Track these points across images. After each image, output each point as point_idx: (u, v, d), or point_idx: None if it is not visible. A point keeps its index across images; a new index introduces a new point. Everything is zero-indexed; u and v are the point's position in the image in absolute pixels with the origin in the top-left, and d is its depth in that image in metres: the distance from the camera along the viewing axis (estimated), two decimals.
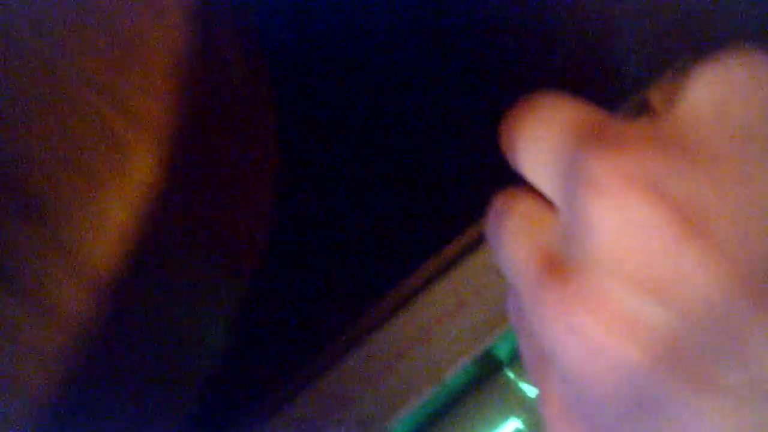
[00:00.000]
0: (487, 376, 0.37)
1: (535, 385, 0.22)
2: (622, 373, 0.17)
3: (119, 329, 0.20)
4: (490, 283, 0.38)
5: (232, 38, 0.24)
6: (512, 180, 0.24)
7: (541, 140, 0.21)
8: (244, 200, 0.25)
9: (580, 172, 0.18)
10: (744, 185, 0.17)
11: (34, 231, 0.21)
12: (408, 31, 0.47)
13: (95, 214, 0.20)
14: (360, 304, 0.38)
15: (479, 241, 0.38)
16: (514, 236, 0.22)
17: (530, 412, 0.36)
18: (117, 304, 0.20)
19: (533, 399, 0.36)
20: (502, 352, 0.36)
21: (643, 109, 0.21)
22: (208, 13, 0.23)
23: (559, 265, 0.19)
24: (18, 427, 0.20)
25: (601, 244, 0.18)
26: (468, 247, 0.38)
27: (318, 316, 0.39)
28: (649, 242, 0.17)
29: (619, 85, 0.46)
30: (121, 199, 0.20)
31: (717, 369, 0.17)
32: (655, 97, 0.21)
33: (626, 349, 0.17)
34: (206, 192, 0.23)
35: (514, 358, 0.37)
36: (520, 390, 0.37)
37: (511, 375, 0.36)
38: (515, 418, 0.36)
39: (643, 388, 0.17)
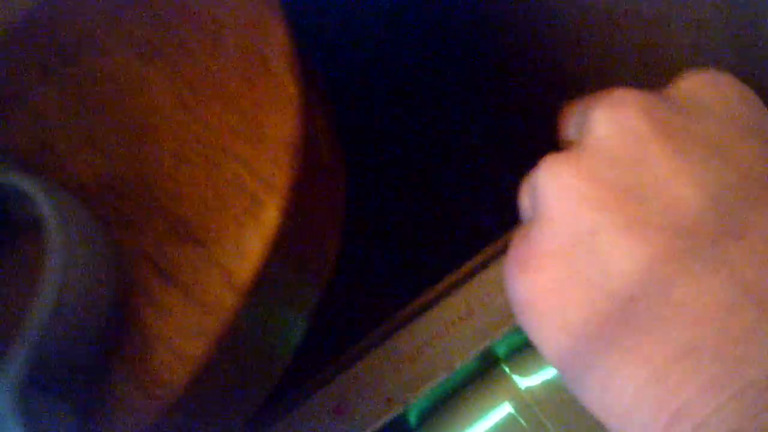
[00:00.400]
0: (487, 369, 0.46)
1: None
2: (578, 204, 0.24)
3: (249, 323, 0.30)
4: (493, 296, 0.47)
5: (322, 122, 0.35)
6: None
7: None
8: (325, 231, 0.35)
9: (599, 99, 0.26)
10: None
11: (193, 250, 0.31)
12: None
13: (238, 243, 0.30)
14: (390, 308, 0.48)
15: (486, 263, 0.48)
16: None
17: (521, 399, 0.46)
18: (249, 301, 0.30)
19: (524, 389, 0.46)
20: (501, 350, 0.45)
21: None
22: (309, 107, 0.33)
23: (563, 153, 0.26)
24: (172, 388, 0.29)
25: (595, 134, 0.25)
26: (477, 266, 0.48)
27: (355, 315, 0.49)
28: (626, 134, 0.25)
29: None
30: (256, 234, 0.30)
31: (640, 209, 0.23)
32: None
33: (586, 190, 0.24)
34: (304, 229, 0.33)
35: (510, 356, 0.46)
36: (514, 382, 0.46)
37: (506, 369, 0.46)
38: (508, 404, 0.45)
39: (586, 219, 0.24)
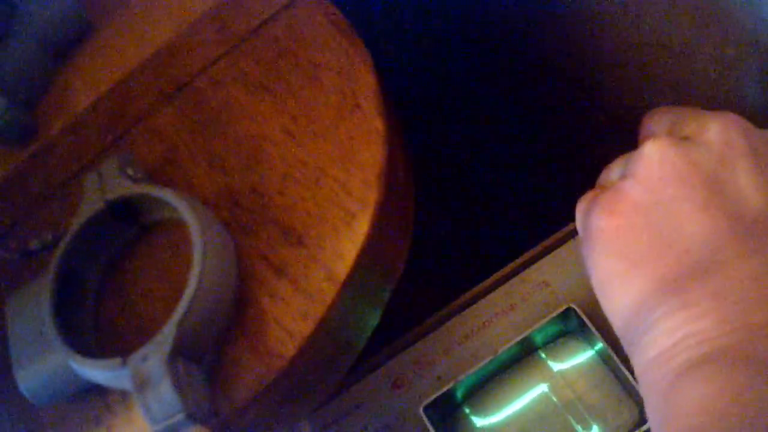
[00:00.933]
0: (526, 355, 0.54)
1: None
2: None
3: (343, 309, 0.39)
4: (532, 293, 0.55)
5: (399, 148, 0.43)
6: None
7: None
8: (400, 238, 0.43)
9: (646, 140, 0.34)
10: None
11: (300, 251, 0.39)
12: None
13: (335, 247, 0.39)
14: (443, 299, 0.56)
15: (525, 264, 0.56)
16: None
17: (554, 380, 0.54)
18: (344, 292, 0.38)
19: (557, 372, 0.54)
20: (538, 339, 0.53)
21: None
22: (391, 137, 0.41)
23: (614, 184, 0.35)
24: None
25: (642, 162, 0.33)
26: (518, 267, 0.56)
27: (411, 305, 0.58)
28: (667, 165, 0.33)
29: None
30: (350, 240, 0.39)
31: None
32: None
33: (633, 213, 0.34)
34: (385, 236, 0.41)
35: (545, 344, 0.54)
36: (548, 366, 0.54)
37: (542, 355, 0.54)
38: (543, 384, 0.53)
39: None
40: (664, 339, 0.31)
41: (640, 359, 0.33)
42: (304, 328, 0.37)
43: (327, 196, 0.40)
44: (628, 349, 0.35)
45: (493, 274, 0.56)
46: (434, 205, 0.59)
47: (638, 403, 0.51)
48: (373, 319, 0.42)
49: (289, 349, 0.37)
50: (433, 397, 0.51)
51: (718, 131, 0.33)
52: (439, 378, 0.53)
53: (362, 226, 0.38)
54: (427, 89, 0.70)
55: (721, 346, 0.29)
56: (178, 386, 0.33)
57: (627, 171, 0.34)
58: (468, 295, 0.56)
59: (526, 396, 0.53)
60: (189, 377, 0.35)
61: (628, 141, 0.64)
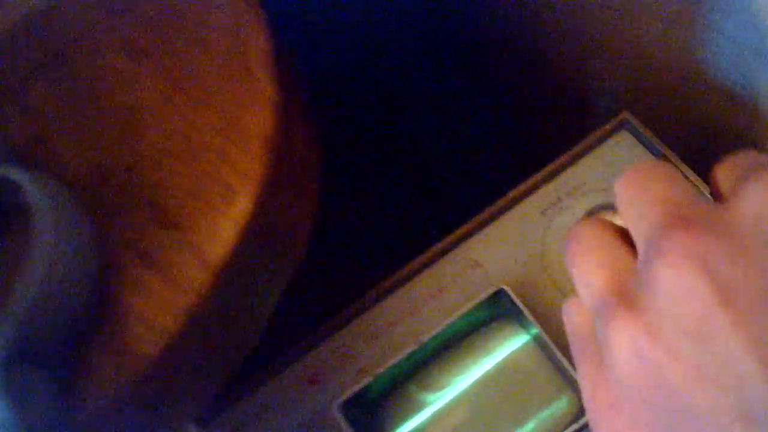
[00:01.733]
0: (458, 340, 0.50)
1: (582, 377, 0.29)
2: (667, 387, 0.24)
3: (219, 301, 0.34)
4: (462, 274, 0.51)
5: (299, 119, 0.38)
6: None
7: (644, 200, 0.27)
8: (298, 218, 0.39)
9: (659, 240, 0.25)
10: None
11: (171, 234, 0.34)
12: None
13: (211, 228, 0.34)
14: (363, 287, 0.51)
15: (454, 243, 0.52)
16: (597, 260, 0.29)
17: (486, 368, 0.49)
18: (220, 279, 0.34)
19: (489, 359, 0.49)
20: (467, 324, 0.49)
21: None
22: (286, 105, 0.36)
23: (631, 298, 0.26)
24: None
25: (662, 296, 0.25)
26: (447, 247, 0.52)
27: (330, 291, 0.53)
28: (692, 302, 0.24)
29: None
30: (228, 218, 0.34)
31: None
32: (719, 177, 0.28)
33: (674, 370, 0.24)
34: (277, 215, 0.36)
35: (477, 329, 0.50)
36: (481, 352, 0.50)
37: (474, 341, 0.50)
38: (475, 369, 0.49)
39: (680, 400, 0.24)
40: None
41: None
42: (170, 322, 0.32)
43: (206, 171, 0.35)
44: None
45: (419, 255, 0.52)
46: (358, 183, 0.55)
47: (577, 392, 0.47)
48: (266, 309, 0.37)
49: (152, 347, 0.32)
50: (351, 393, 0.46)
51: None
52: (362, 370, 0.49)
53: (243, 204, 0.33)
54: (361, 67, 0.66)
55: None
56: (16, 398, 0.28)
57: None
58: (392, 279, 0.51)
59: (458, 385, 0.49)
60: (31, 388, 0.30)
61: (570, 111, 0.59)
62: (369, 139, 0.60)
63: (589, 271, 0.29)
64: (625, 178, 0.29)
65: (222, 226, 0.33)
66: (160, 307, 0.33)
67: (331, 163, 0.45)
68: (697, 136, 0.57)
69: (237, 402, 0.48)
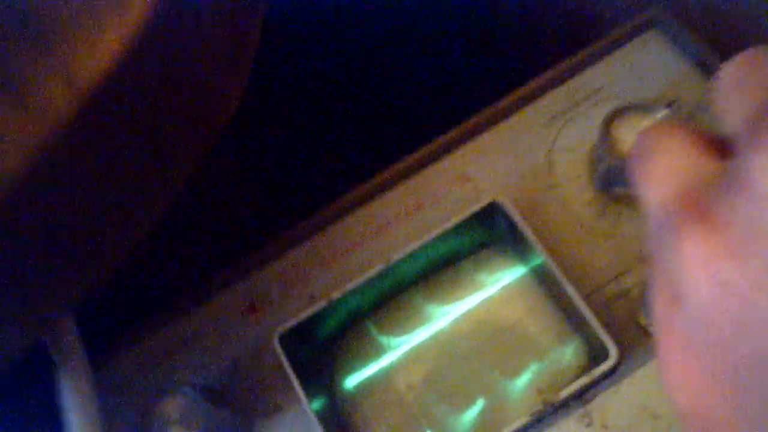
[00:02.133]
0: (438, 269, 0.39)
1: (655, 312, 0.22)
2: (756, 328, 0.18)
3: (90, 136, 0.23)
4: (446, 188, 0.40)
5: None
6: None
7: (753, 83, 0.21)
8: (224, 62, 0.28)
9: (760, 131, 0.18)
10: None
11: (36, 46, 0.23)
12: None
13: (91, 40, 0.23)
14: (325, 197, 0.40)
15: (437, 152, 0.41)
16: (666, 172, 0.22)
17: (475, 304, 0.39)
18: (94, 115, 0.23)
19: (480, 292, 0.39)
20: (451, 245, 0.38)
21: None
22: None
23: (708, 213, 0.19)
24: None
25: (755, 204, 0.18)
26: (429, 156, 0.41)
27: (287, 201, 0.42)
28: None
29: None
30: (116, 32, 0.23)
31: None
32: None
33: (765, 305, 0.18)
34: (194, 46, 0.25)
35: (464, 255, 0.39)
36: (469, 283, 0.38)
37: (461, 269, 0.39)
38: (458, 304, 0.38)
39: None
40: None
41: None
42: (18, 161, 0.21)
43: None
44: None
45: (394, 163, 0.41)
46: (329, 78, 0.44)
47: (586, 338, 0.36)
48: (162, 177, 0.26)
49: None
50: (294, 321, 0.35)
51: None
52: (312, 297, 0.38)
53: (138, 10, 0.22)
54: None
55: None
56: None
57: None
58: (357, 191, 0.40)
59: (438, 322, 0.38)
60: None
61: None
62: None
63: (657, 179, 0.22)
64: (740, 56, 0.21)
65: (103, 40, 0.22)
66: (11, 142, 0.22)
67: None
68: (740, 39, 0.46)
69: (161, 327, 0.38)
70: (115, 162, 0.24)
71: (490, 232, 0.39)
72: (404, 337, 0.38)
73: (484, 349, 0.38)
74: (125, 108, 0.23)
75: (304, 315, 0.35)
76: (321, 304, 0.35)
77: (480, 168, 0.41)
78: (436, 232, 0.37)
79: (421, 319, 0.38)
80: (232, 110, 0.27)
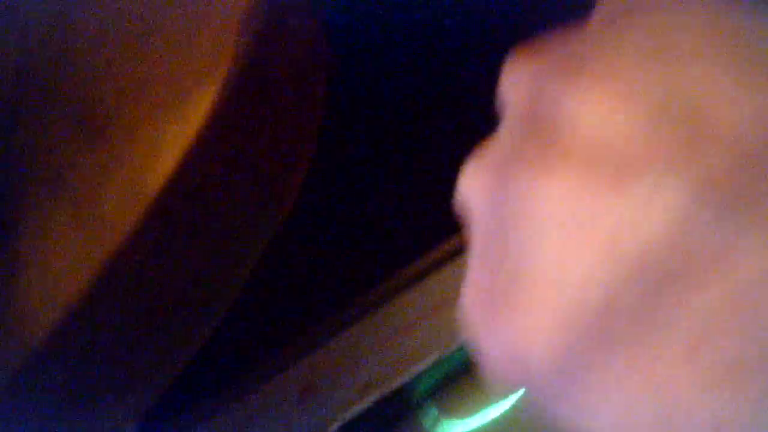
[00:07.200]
0: None
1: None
2: None
3: (159, 247, 0.22)
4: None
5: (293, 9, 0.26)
6: None
7: None
8: (288, 142, 0.27)
9: None
10: None
11: (93, 151, 0.23)
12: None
13: (151, 143, 0.22)
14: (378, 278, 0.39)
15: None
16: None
17: None
18: (161, 224, 0.22)
19: None
20: None
21: None
22: None
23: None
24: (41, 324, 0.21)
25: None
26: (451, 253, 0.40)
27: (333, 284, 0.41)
28: None
29: None
30: (177, 136, 0.22)
31: None
32: None
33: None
34: (254, 133, 0.25)
35: None
36: None
37: None
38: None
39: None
40: None
41: None
42: (73, 284, 0.21)
43: (154, 62, 0.23)
44: None
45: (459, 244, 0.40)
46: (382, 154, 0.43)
47: None
48: (232, 278, 0.26)
49: (49, 316, 0.20)
50: (354, 411, 0.34)
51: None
52: (366, 386, 0.37)
53: (199, 107, 0.22)
54: None
55: None
56: None
57: None
58: (418, 267, 0.39)
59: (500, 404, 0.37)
60: None
61: None
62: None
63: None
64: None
65: (165, 140, 0.22)
66: (71, 258, 0.21)
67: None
68: None
69: (213, 413, 0.37)
70: (181, 264, 0.23)
71: None
72: (466, 420, 0.37)
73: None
74: (194, 201, 0.22)
75: (361, 405, 0.34)
76: (377, 395, 0.34)
77: None
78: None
79: (473, 408, 0.37)
80: (299, 186, 0.27)
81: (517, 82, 0.19)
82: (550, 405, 0.18)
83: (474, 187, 0.19)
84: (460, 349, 0.36)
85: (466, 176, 0.20)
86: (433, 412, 0.37)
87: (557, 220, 0.16)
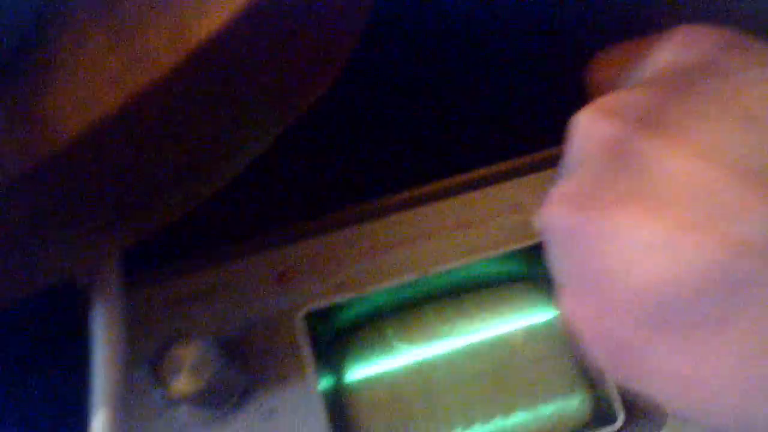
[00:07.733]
0: (467, 290, 0.40)
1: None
2: None
3: (191, 93, 0.24)
4: (497, 214, 0.41)
5: None
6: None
7: None
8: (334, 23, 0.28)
9: None
10: None
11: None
12: None
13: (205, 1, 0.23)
14: (378, 189, 0.41)
15: (499, 175, 0.41)
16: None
17: (495, 334, 0.39)
18: (198, 72, 0.23)
19: (502, 324, 0.39)
20: (488, 272, 0.39)
21: None
22: None
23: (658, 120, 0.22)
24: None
25: None
26: (489, 176, 0.41)
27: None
28: None
29: None
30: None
31: None
32: None
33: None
34: (303, 22, 0.26)
35: (496, 284, 0.40)
36: (493, 314, 0.39)
37: (488, 297, 0.39)
38: (479, 331, 0.39)
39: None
40: None
41: None
42: (105, 103, 0.22)
43: None
44: None
45: (453, 175, 0.41)
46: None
47: (597, 395, 0.37)
48: (238, 143, 0.27)
49: (79, 122, 0.22)
50: (321, 305, 0.36)
51: None
52: (341, 285, 0.39)
53: None
54: None
55: None
56: None
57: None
58: (411, 192, 0.41)
59: (454, 341, 0.39)
60: None
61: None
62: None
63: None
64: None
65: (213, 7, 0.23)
66: (101, 80, 0.22)
67: None
68: None
69: (191, 271, 0.39)
70: (204, 115, 0.24)
71: (528, 269, 0.39)
72: (418, 348, 0.39)
73: (490, 380, 0.38)
74: (229, 66, 0.23)
75: (334, 300, 0.35)
76: (352, 295, 0.36)
77: (535, 202, 0.41)
78: (480, 256, 0.37)
79: (438, 335, 0.39)
80: (329, 82, 0.28)
81: (596, 126, 0.23)
82: (620, 371, 0.23)
83: (558, 214, 0.23)
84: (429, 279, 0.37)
85: (549, 204, 0.23)
86: (389, 332, 0.39)
87: (644, 242, 0.20)
